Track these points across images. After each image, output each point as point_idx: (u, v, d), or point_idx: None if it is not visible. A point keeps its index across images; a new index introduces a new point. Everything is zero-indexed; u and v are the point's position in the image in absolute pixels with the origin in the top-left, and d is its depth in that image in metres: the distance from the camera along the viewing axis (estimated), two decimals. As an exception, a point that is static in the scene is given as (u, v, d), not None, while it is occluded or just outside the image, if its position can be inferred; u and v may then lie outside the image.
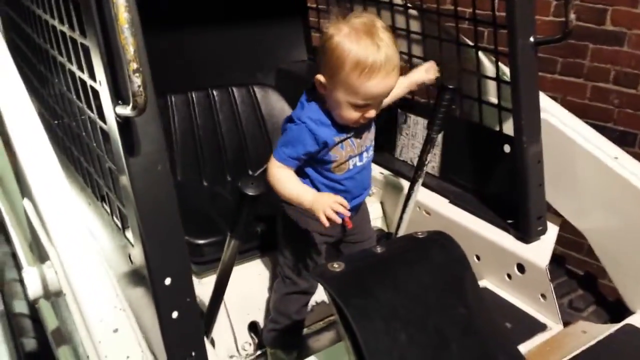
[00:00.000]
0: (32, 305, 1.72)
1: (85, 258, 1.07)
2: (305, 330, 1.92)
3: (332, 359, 1.51)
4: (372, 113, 1.50)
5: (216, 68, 2.37)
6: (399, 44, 2.16)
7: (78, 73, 1.23)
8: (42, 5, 1.38)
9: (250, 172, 2.23)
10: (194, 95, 2.15)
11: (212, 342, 1.79)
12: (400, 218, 1.94)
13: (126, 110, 1.00)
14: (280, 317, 1.74)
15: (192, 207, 1.98)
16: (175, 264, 1.14)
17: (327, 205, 1.43)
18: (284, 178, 1.54)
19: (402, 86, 1.74)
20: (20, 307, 1.86)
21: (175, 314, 1.15)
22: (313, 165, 1.58)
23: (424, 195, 2.02)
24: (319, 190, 1.59)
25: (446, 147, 2.04)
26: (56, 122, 1.65)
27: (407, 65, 2.22)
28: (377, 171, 2.23)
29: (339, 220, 1.43)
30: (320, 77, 1.49)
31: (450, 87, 1.66)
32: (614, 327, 1.58)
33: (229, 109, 2.21)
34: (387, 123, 2.23)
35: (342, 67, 1.42)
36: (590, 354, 1.48)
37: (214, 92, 2.19)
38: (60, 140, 1.66)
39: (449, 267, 1.49)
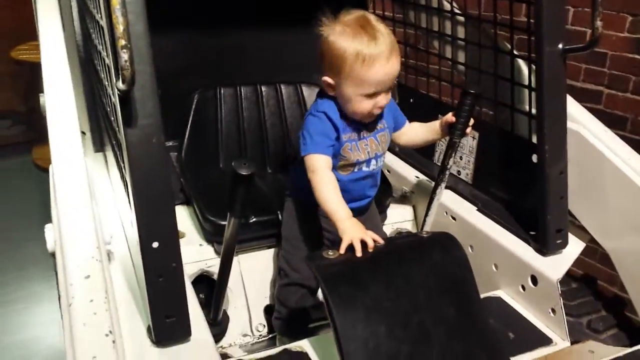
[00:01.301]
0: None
1: (77, 214, 1.20)
2: (320, 322, 1.97)
3: (324, 345, 1.54)
4: (382, 101, 1.55)
5: (273, 67, 2.46)
6: (444, 50, 2.19)
7: (103, 53, 1.38)
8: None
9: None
10: (242, 90, 2.27)
11: (227, 319, 1.89)
12: (424, 221, 1.94)
13: (119, 84, 1.11)
14: (282, 307, 1.81)
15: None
16: (164, 230, 1.24)
17: (356, 238, 1.39)
18: (327, 182, 1.53)
19: (425, 130, 1.80)
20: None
21: (160, 277, 1.25)
22: None
23: (453, 200, 2.01)
24: None
25: (480, 155, 2.02)
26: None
27: (452, 71, 2.22)
28: (412, 175, 2.24)
29: (360, 252, 1.39)
30: (327, 79, 1.56)
31: (472, 91, 1.65)
32: (624, 351, 1.49)
33: (275, 104, 2.31)
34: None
35: (345, 62, 1.49)
36: (590, 375, 1.42)
37: (262, 88, 2.30)
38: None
39: (447, 268, 1.49)
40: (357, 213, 1.71)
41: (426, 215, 1.92)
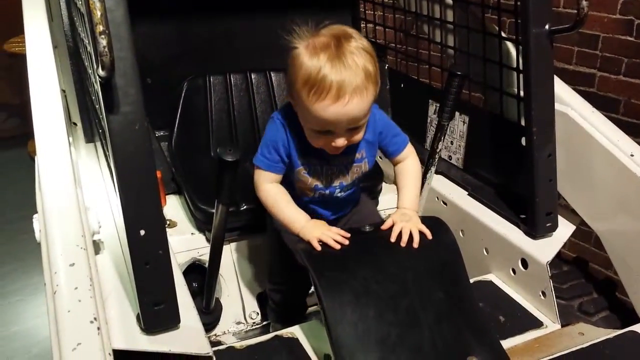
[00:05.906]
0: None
1: (61, 203, 1.20)
2: (314, 307, 1.97)
3: (315, 331, 1.54)
4: (340, 142, 1.31)
5: (263, 54, 2.45)
6: (434, 35, 2.18)
7: (85, 40, 1.37)
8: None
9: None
10: (232, 77, 2.26)
11: (220, 307, 1.89)
12: (415, 206, 1.93)
13: (99, 71, 1.10)
14: (273, 302, 1.81)
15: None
16: (149, 217, 1.24)
17: (315, 237, 1.37)
18: (272, 196, 1.44)
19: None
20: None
21: (147, 264, 1.25)
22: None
23: (444, 185, 2.01)
24: None
25: (470, 139, 2.01)
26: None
27: (442, 56, 2.21)
28: (404, 160, 2.24)
29: (337, 246, 1.37)
30: (288, 97, 1.39)
31: (459, 73, 1.65)
32: (614, 333, 1.50)
33: (265, 91, 2.30)
34: (418, 113, 2.23)
35: (296, 82, 1.28)
36: (579, 356, 1.42)
37: (252, 75, 2.29)
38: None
39: (436, 252, 1.49)
40: (340, 219, 1.65)
41: (417, 200, 1.91)
